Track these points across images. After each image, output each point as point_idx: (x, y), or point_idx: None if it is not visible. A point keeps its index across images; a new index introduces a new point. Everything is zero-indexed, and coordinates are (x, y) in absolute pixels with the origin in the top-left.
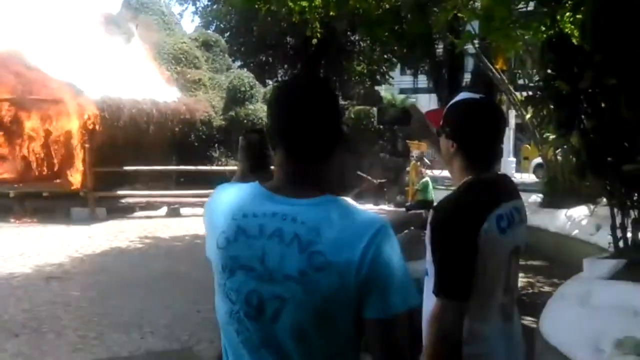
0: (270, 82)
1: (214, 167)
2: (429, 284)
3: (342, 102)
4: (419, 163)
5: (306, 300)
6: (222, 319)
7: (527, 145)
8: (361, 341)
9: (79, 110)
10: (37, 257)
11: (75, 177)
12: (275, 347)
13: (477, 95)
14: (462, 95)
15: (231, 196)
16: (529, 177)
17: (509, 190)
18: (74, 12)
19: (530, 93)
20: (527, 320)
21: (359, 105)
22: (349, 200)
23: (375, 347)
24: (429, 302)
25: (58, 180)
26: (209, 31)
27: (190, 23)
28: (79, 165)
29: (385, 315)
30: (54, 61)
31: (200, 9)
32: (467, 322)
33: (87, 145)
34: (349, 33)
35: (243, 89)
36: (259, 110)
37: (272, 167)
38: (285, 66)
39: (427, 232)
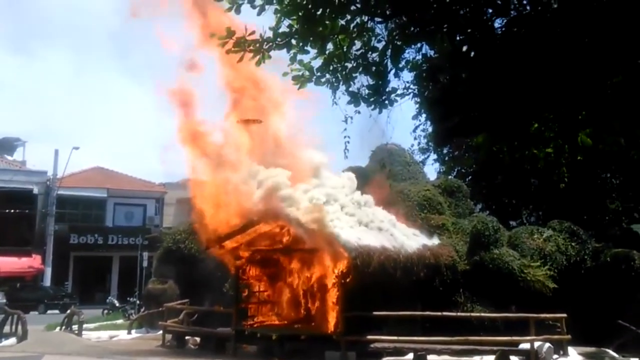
0: (514, 224)
1: (460, 314)
2: None
3: (596, 244)
4: None
5: None
6: None
7: None
8: None
9: (334, 258)
10: None
11: (329, 321)
12: None
13: None
14: None
15: None
16: None
17: None
18: (324, 170)
19: None
20: None
21: (615, 247)
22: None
23: None
24: None
25: (313, 324)
26: (450, 177)
27: (432, 169)
28: (332, 309)
29: None
30: (310, 215)
31: (441, 156)
32: None
33: (339, 291)
34: (598, 171)
35: (487, 233)
36: (504, 254)
37: None
38: (530, 207)
39: None
